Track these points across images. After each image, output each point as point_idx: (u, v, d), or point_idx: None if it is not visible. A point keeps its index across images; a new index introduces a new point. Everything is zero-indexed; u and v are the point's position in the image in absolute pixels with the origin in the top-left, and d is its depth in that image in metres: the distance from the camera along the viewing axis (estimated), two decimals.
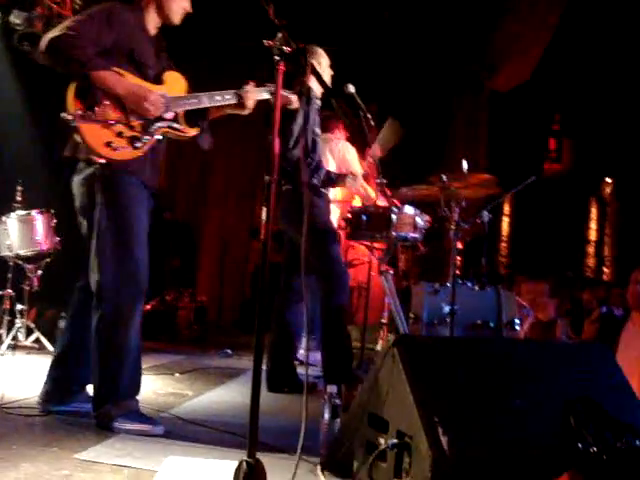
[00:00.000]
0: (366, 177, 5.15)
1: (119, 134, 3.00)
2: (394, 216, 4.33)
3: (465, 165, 4.39)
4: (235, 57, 8.03)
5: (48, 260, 5.54)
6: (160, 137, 3.17)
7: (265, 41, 2.37)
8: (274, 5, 2.44)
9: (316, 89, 4.35)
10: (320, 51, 4.47)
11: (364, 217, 4.38)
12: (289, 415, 3.66)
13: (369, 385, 2.60)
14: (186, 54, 8.45)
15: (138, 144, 3.06)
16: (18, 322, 5.31)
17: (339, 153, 5.68)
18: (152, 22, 3.28)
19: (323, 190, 4.52)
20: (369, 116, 4.43)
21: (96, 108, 2.95)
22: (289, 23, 2.43)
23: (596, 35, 8.31)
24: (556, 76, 9.10)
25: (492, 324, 4.38)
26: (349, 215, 4.53)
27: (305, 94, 4.12)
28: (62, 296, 6.14)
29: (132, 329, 3.14)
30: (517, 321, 4.44)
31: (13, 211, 5.38)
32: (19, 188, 5.50)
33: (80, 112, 2.93)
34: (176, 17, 3.29)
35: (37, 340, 5.36)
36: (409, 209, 4.45)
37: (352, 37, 7.36)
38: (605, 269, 11.84)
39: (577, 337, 5.28)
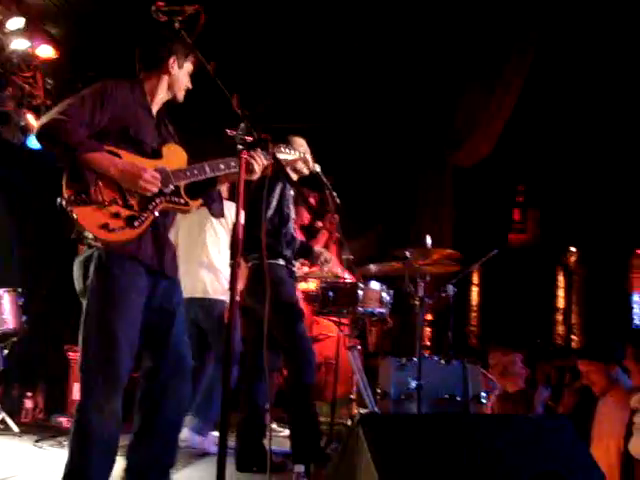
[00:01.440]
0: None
1: (115, 215, 2.94)
2: (360, 292, 4.39)
3: (429, 241, 4.49)
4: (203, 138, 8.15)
5: (14, 339, 5.49)
6: (156, 214, 3.07)
7: (228, 130, 2.45)
8: (238, 95, 2.54)
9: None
10: (296, 140, 4.54)
11: (331, 293, 4.44)
12: None
13: (335, 464, 2.62)
14: None
15: (136, 223, 2.98)
16: None
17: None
18: (158, 97, 3.27)
19: (292, 267, 4.56)
20: (334, 193, 4.54)
21: (91, 190, 2.92)
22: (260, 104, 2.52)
23: (556, 107, 8.56)
24: (518, 148, 9.32)
25: (459, 398, 4.41)
26: (316, 290, 4.58)
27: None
28: (28, 375, 6.12)
29: (106, 421, 3.03)
30: (484, 394, 4.47)
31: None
32: None
33: (73, 197, 2.91)
34: (181, 94, 3.31)
35: (2, 421, 5.26)
36: (375, 285, 4.52)
37: (317, 115, 7.53)
38: (574, 337, 11.93)
39: (555, 406, 5.29)
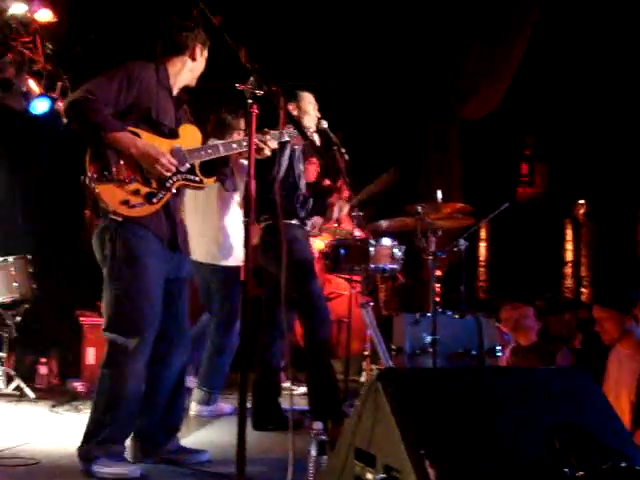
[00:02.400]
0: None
1: (135, 192, 3.14)
2: (372, 248, 4.36)
3: (440, 195, 4.45)
4: (209, 97, 8.09)
5: (26, 306, 5.50)
6: (174, 191, 3.28)
7: (237, 85, 2.41)
8: (246, 48, 2.48)
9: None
10: (304, 95, 4.50)
11: (342, 250, 4.42)
12: (276, 453, 3.64)
13: (354, 420, 2.60)
14: None
15: (154, 199, 3.19)
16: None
17: None
18: (181, 81, 3.46)
19: (305, 227, 4.53)
20: (343, 150, 4.48)
21: (113, 168, 3.09)
22: (263, 60, 2.47)
23: (564, 59, 8.45)
24: (526, 101, 9.23)
25: (474, 352, 4.41)
26: (327, 249, 4.56)
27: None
28: (41, 342, 6.14)
29: (132, 376, 3.19)
30: (499, 348, 4.47)
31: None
32: None
33: (96, 175, 3.08)
34: (194, 82, 3.52)
35: (18, 387, 5.29)
36: (386, 241, 4.48)
37: (324, 68, 7.44)
38: (583, 289, 11.94)
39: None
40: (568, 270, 12.23)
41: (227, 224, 4.82)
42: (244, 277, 2.37)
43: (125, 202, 3.11)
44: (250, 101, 2.40)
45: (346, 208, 4.68)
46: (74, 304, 6.16)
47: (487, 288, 11.53)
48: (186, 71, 3.45)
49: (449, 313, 4.60)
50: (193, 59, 3.43)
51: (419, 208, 4.45)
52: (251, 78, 2.39)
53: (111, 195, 3.10)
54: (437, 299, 4.47)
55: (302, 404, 4.69)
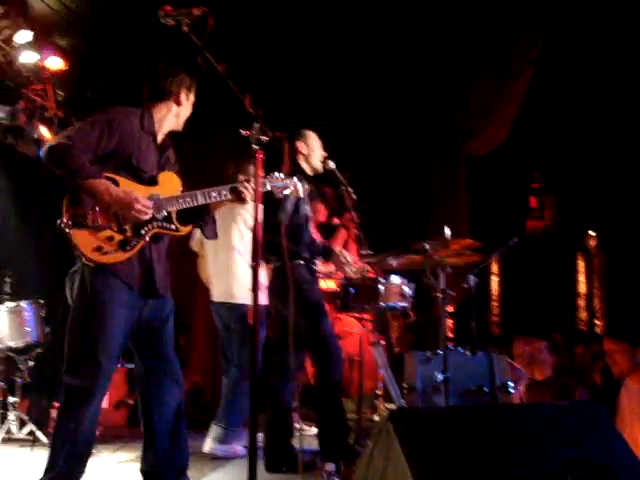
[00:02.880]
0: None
1: (109, 239, 3.19)
2: (381, 287, 4.37)
3: (448, 232, 4.46)
4: (219, 137, 8.19)
5: (39, 351, 5.53)
6: (147, 239, 3.30)
7: (243, 130, 2.45)
8: (251, 92, 2.53)
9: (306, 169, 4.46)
10: (310, 133, 4.56)
11: (352, 290, 4.43)
12: None
13: (366, 461, 2.60)
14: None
15: (128, 247, 3.23)
16: (11, 415, 5.26)
17: None
18: (164, 126, 3.50)
19: (313, 266, 4.55)
20: (350, 190, 4.52)
21: (88, 215, 3.14)
22: (269, 103, 2.51)
23: (571, 91, 8.48)
24: (533, 134, 9.25)
25: (486, 389, 4.38)
26: (337, 288, 4.57)
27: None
28: (54, 387, 6.14)
29: (87, 418, 3.22)
30: (511, 384, 4.44)
31: (2, 302, 5.40)
32: (7, 279, 5.52)
33: (71, 220, 3.13)
34: (182, 125, 3.57)
35: (31, 432, 5.28)
36: (395, 279, 4.50)
37: (329, 110, 7.51)
38: (597, 322, 11.83)
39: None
40: (581, 302, 12.14)
41: (243, 263, 4.89)
42: (252, 320, 2.38)
43: (98, 249, 3.17)
44: (255, 147, 2.44)
45: (348, 257, 4.63)
46: None
47: (500, 323, 11.45)
48: (171, 116, 3.50)
49: (460, 350, 4.58)
50: (178, 104, 3.49)
51: (426, 246, 4.46)
52: (256, 124, 2.43)
53: (84, 241, 3.16)
54: (450, 335, 4.45)
55: (314, 445, 4.67)
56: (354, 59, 7.14)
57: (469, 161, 8.46)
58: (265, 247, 2.62)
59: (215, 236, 3.62)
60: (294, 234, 4.37)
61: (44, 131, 6.22)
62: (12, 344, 5.33)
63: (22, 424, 5.35)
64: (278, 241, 4.07)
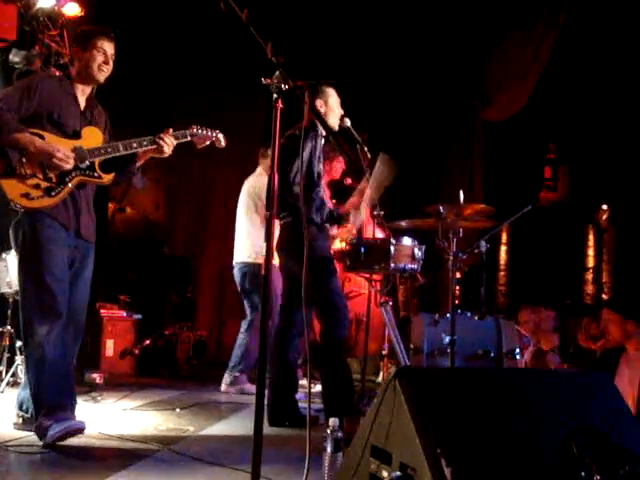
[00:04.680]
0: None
1: (36, 186, 3.54)
2: (392, 248, 4.35)
3: (462, 196, 4.43)
4: (237, 90, 8.15)
5: None
6: (71, 186, 3.65)
7: (263, 79, 2.41)
8: (272, 42, 2.49)
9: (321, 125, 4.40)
10: (328, 90, 4.50)
11: (362, 249, 4.40)
12: (292, 449, 3.64)
13: (371, 417, 2.60)
14: (188, 88, 8.62)
15: (53, 193, 3.58)
16: (18, 359, 5.30)
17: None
18: (79, 87, 3.81)
19: (324, 225, 4.52)
20: (366, 148, 4.48)
21: (16, 165, 3.48)
22: (289, 58, 2.47)
23: (589, 63, 8.38)
24: (550, 105, 9.15)
25: (493, 354, 4.38)
26: (347, 247, 4.55)
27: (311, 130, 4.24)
28: None
29: (51, 349, 3.55)
30: (517, 350, 4.44)
31: (12, 248, 5.40)
32: None
33: (1, 170, 3.47)
34: (98, 76, 3.80)
35: None
36: (407, 240, 4.47)
37: (347, 67, 7.43)
38: (604, 296, 11.81)
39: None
40: (589, 276, 12.11)
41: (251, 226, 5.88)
42: (264, 272, 2.37)
43: (25, 195, 3.50)
44: (275, 95, 2.40)
45: (362, 215, 4.63)
46: (95, 297, 6.21)
47: (506, 292, 11.45)
48: (78, 76, 3.79)
49: (468, 314, 4.57)
50: (78, 60, 3.77)
51: (441, 208, 4.43)
52: (276, 72, 2.40)
53: (13, 188, 3.50)
54: (456, 301, 4.44)
55: (319, 402, 4.70)
56: (374, 19, 7.05)
57: (486, 129, 8.39)
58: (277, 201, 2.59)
59: (142, 185, 4.05)
60: (306, 195, 4.33)
61: None
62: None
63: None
64: (289, 196, 4.07)
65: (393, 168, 4.48)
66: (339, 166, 5.91)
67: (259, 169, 6.18)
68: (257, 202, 5.98)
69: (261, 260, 5.37)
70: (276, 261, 5.68)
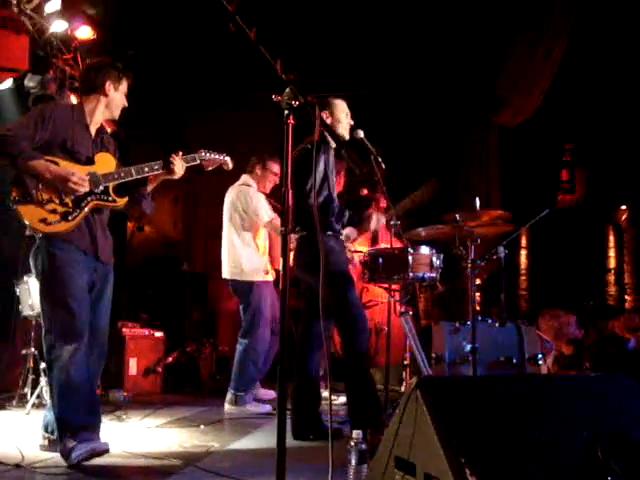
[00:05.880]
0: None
1: (53, 211, 3.64)
2: (410, 257, 4.35)
3: (478, 203, 4.42)
4: (250, 106, 8.21)
5: None
6: (87, 210, 3.73)
7: (274, 96, 2.44)
8: (284, 56, 2.51)
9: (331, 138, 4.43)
10: (337, 102, 4.51)
11: (381, 260, 4.41)
12: (316, 462, 3.64)
13: (394, 428, 2.60)
14: (202, 104, 8.69)
15: (70, 217, 3.67)
16: (42, 380, 5.34)
17: None
18: (96, 117, 3.92)
19: (339, 236, 4.53)
20: (380, 159, 4.48)
21: (33, 192, 3.57)
22: (300, 72, 2.49)
23: (603, 63, 8.35)
24: (565, 107, 9.13)
25: (515, 360, 4.36)
26: (366, 258, 4.55)
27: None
28: None
29: (75, 370, 3.61)
30: (540, 356, 4.41)
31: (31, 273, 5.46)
32: None
33: (19, 197, 3.58)
34: (117, 112, 3.99)
35: None
36: (425, 249, 4.47)
37: (361, 80, 7.46)
38: (627, 297, 11.71)
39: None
40: (611, 277, 12.01)
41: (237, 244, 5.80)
42: (282, 286, 2.38)
43: (43, 220, 3.60)
44: (286, 112, 2.42)
45: (383, 219, 4.67)
46: (116, 316, 6.25)
47: (528, 297, 11.38)
48: (102, 106, 3.91)
49: (489, 321, 4.56)
50: (105, 95, 3.89)
51: (457, 216, 4.43)
52: (287, 89, 2.42)
53: (31, 214, 3.60)
54: (477, 307, 4.43)
55: (342, 413, 4.69)
56: (386, 29, 7.08)
57: (501, 133, 8.38)
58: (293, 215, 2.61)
59: (151, 211, 4.09)
60: (324, 204, 4.35)
61: (74, 100, 6.25)
62: None
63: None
64: (304, 209, 4.08)
65: (435, 192, 4.54)
66: (340, 180, 5.96)
67: (244, 177, 5.95)
68: (233, 214, 5.85)
69: (238, 277, 5.78)
70: (271, 277, 5.83)
